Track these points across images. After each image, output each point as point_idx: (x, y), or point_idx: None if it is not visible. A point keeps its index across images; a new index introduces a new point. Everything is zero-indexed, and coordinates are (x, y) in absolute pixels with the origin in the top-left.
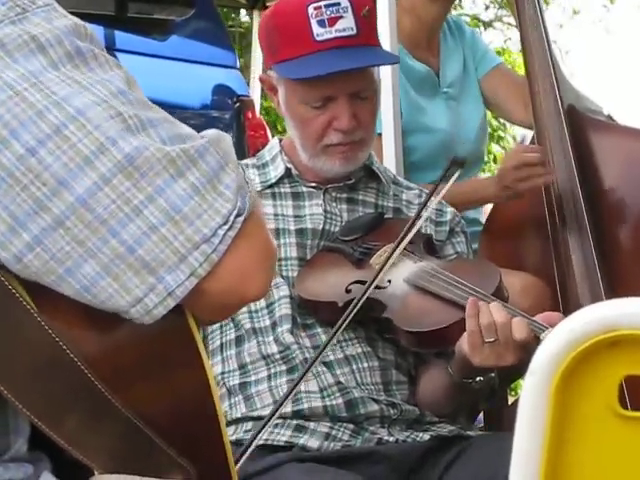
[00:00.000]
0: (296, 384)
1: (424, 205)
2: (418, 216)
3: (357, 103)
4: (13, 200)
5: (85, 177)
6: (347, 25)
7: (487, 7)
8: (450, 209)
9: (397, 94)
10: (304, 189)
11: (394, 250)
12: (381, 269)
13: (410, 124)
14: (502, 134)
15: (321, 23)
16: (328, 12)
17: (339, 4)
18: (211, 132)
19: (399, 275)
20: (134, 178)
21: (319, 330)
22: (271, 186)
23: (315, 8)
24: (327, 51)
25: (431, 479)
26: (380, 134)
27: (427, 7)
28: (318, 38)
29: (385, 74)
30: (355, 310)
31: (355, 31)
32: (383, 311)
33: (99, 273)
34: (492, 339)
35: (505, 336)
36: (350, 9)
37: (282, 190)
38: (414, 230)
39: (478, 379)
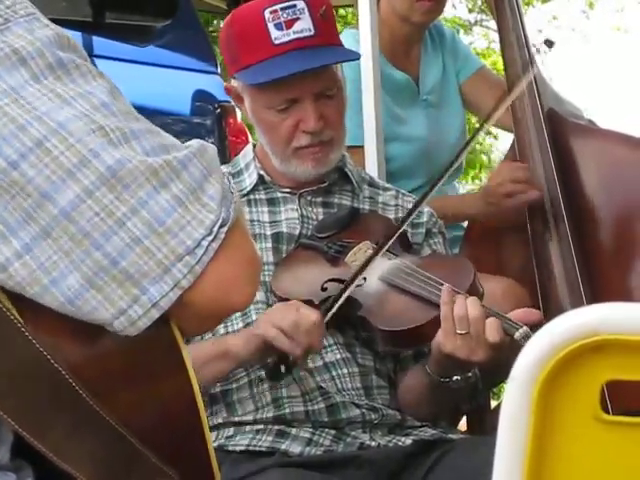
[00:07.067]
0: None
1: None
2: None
3: (323, 102)
4: (5, 207)
5: (68, 190)
6: (305, 26)
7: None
8: (427, 209)
9: (379, 105)
10: (279, 194)
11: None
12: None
13: (388, 134)
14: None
15: (278, 26)
16: (285, 15)
17: (295, 6)
18: (195, 142)
19: (374, 273)
20: (117, 190)
21: None
22: (247, 194)
23: (271, 12)
24: (286, 54)
25: None
26: (362, 146)
27: (399, 25)
28: (276, 42)
29: (367, 85)
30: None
31: (313, 32)
32: (359, 309)
33: (83, 285)
34: (464, 331)
35: (477, 330)
36: (307, 10)
37: (257, 197)
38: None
39: (455, 378)
